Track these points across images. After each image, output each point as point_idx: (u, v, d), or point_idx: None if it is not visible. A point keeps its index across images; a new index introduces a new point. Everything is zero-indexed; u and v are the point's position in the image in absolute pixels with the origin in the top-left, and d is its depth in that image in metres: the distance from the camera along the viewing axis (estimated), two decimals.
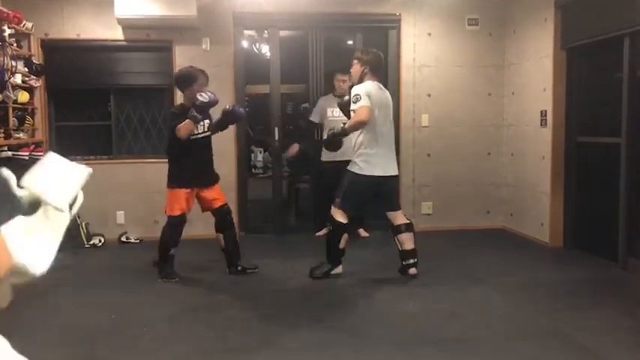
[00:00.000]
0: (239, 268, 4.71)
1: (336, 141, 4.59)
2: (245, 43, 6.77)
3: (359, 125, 4.30)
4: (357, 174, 4.39)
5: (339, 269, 4.60)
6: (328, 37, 6.48)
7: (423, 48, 6.40)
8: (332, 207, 4.50)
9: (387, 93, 4.59)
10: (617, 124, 4.79)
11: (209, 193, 4.60)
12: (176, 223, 4.49)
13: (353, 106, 4.30)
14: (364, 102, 4.23)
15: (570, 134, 5.50)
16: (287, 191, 7.04)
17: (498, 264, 5.01)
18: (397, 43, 6.43)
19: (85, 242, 5.82)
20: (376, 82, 4.46)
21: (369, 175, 4.38)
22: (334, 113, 5.92)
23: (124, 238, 6.06)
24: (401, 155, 6.43)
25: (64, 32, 5.97)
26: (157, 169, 6.18)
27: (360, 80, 4.44)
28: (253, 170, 9.63)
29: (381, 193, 4.52)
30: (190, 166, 4.47)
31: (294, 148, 6.23)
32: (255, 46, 7.38)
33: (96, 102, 6.38)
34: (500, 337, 3.33)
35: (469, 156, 6.56)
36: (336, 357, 3.12)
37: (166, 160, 4.62)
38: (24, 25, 5.51)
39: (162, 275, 4.56)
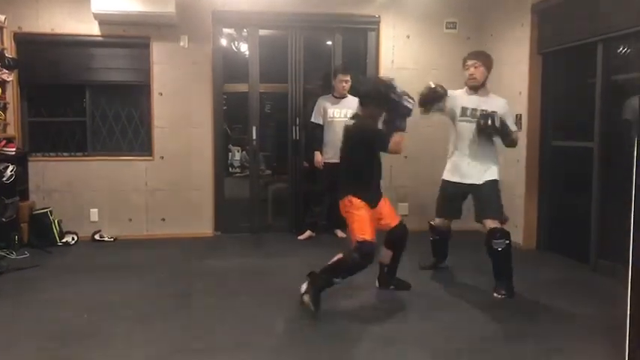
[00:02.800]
0: (391, 286, 4.30)
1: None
2: (224, 42, 6.73)
3: None
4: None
5: None
6: (308, 37, 6.47)
7: (402, 50, 6.44)
8: (492, 223, 4.31)
9: None
10: (590, 128, 4.89)
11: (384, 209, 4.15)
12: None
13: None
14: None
15: (545, 138, 5.60)
16: (263, 190, 6.96)
17: (472, 265, 5.05)
18: (376, 44, 6.46)
19: (58, 240, 5.72)
20: None
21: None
22: (335, 114, 5.86)
23: (97, 237, 5.96)
24: None
25: (39, 26, 5.86)
26: (132, 166, 6.13)
27: (483, 86, 4.44)
28: (230, 169, 9.58)
29: None
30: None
31: (319, 157, 5.92)
32: (234, 44, 7.34)
33: (70, 98, 6.28)
34: (474, 339, 3.36)
35: (445, 158, 6.58)
36: (315, 356, 3.12)
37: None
38: None
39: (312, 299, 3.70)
